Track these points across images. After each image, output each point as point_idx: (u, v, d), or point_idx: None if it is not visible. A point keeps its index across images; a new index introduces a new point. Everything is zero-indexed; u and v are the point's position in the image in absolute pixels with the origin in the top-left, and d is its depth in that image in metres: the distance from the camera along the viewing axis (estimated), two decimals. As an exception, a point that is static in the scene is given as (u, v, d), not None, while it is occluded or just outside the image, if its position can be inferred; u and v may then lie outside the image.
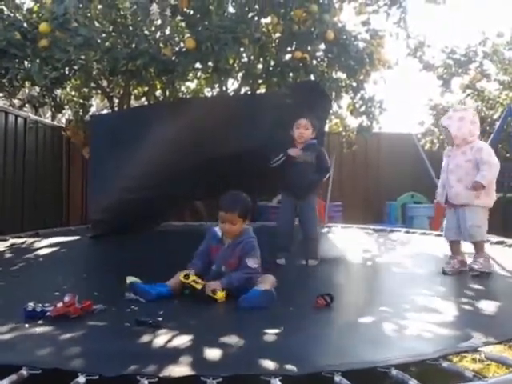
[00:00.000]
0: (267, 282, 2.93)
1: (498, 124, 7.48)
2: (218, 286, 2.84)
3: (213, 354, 2.04)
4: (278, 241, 4.16)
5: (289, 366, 1.88)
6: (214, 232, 3.14)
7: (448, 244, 3.77)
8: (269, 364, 1.91)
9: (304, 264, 4.04)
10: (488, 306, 2.81)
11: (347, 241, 5.52)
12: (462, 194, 3.46)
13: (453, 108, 3.67)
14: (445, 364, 1.93)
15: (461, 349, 2.13)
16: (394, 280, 3.66)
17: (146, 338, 2.21)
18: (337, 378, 1.77)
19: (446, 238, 3.76)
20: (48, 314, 2.43)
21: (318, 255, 4.10)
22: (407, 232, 6.17)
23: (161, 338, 2.22)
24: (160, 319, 2.41)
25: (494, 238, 5.07)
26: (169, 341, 2.19)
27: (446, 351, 2.07)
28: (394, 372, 1.83)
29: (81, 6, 4.66)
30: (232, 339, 2.21)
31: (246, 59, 6.02)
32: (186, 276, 2.90)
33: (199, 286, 2.86)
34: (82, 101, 7.15)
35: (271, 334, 2.32)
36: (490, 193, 3.51)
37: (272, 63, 6.03)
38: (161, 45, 5.26)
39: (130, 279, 2.91)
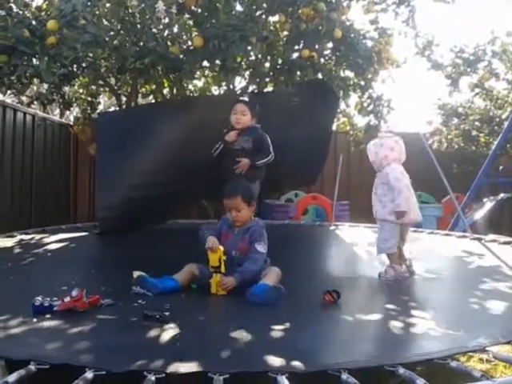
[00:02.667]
0: (273, 274, 2.97)
1: (506, 124, 7.43)
2: (233, 283, 2.89)
3: (220, 349, 2.04)
4: None
5: (295, 363, 1.88)
6: (225, 219, 3.22)
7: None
8: (275, 361, 1.91)
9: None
10: (496, 306, 2.79)
11: (354, 239, 5.51)
12: (380, 211, 3.75)
13: (379, 135, 3.92)
14: (452, 363, 1.92)
15: (468, 348, 2.12)
16: (401, 278, 3.64)
17: (153, 333, 2.22)
18: (344, 376, 1.77)
19: None
20: (56, 308, 2.45)
21: None
22: (414, 231, 6.14)
23: (168, 333, 2.22)
24: (167, 313, 2.41)
25: (502, 238, 5.04)
26: (176, 336, 2.20)
27: (454, 350, 2.06)
28: (401, 371, 1.83)
29: (89, 3, 4.67)
30: (239, 335, 2.22)
31: (253, 57, 6.01)
32: (225, 252, 2.93)
33: (223, 270, 2.90)
34: (89, 98, 7.18)
35: (278, 330, 2.32)
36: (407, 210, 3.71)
37: (279, 61, 6.02)
38: (168, 43, 5.27)
39: (136, 274, 2.92)
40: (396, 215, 3.65)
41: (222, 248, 2.94)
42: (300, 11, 5.34)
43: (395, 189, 3.65)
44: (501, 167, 8.77)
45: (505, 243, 4.88)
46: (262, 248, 3.05)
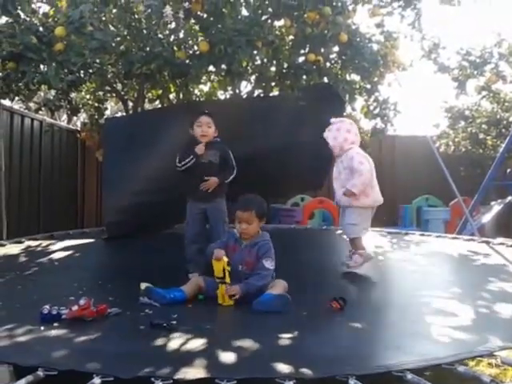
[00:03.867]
0: (279, 287, 2.95)
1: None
2: (238, 291, 2.87)
3: (227, 356, 2.04)
4: (186, 252, 3.79)
5: (303, 370, 1.88)
6: (232, 233, 3.22)
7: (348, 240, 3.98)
8: (283, 367, 1.91)
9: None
10: (505, 309, 2.77)
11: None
12: (344, 197, 3.76)
13: (332, 120, 3.97)
14: (460, 368, 1.91)
15: (477, 353, 2.11)
16: (409, 282, 3.64)
17: (160, 341, 2.22)
18: (351, 382, 1.76)
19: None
20: (63, 316, 2.46)
21: None
22: (422, 235, 6.12)
23: (175, 341, 2.23)
24: (174, 322, 2.42)
25: (510, 241, 5.02)
26: (183, 343, 2.20)
27: (462, 355, 2.05)
28: (409, 376, 1.82)
29: (96, 10, 4.70)
30: (246, 342, 2.22)
31: (259, 62, 6.02)
32: (229, 263, 2.91)
33: (228, 281, 2.89)
34: (96, 104, 7.21)
35: (285, 337, 2.32)
36: (368, 194, 3.78)
37: (285, 66, 6.03)
38: (175, 48, 5.29)
39: (144, 285, 2.93)
40: (346, 191, 3.70)
41: (225, 259, 2.91)
42: (305, 15, 5.35)
43: (357, 171, 3.67)
44: (508, 170, 8.72)
45: (513, 246, 4.85)
46: (269, 265, 3.03)
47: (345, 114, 7.02)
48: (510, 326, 2.52)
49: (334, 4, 5.28)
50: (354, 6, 6.10)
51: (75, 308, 2.47)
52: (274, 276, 3.12)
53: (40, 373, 1.80)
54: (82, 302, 2.49)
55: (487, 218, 7.34)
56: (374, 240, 5.74)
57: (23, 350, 2.11)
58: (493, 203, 7.63)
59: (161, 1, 4.58)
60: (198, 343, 2.21)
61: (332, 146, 3.85)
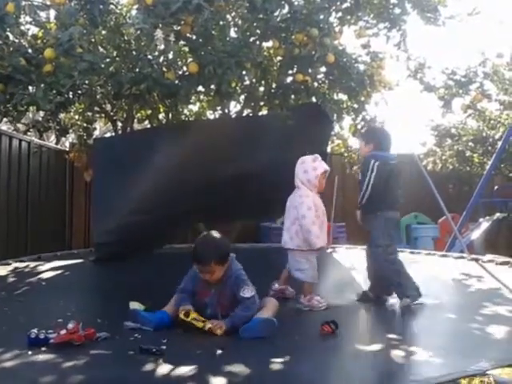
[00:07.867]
0: (269, 307, 2.89)
1: (499, 144, 7.49)
2: (222, 326, 2.76)
3: (217, 383, 2.01)
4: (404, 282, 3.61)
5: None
6: (196, 273, 2.97)
7: None
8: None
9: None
10: (496, 329, 2.78)
11: (352, 263, 5.48)
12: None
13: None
14: (454, 389, 1.90)
15: (469, 372, 2.10)
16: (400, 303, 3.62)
17: (149, 367, 2.19)
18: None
19: None
20: (51, 341, 2.42)
21: None
22: (412, 253, 6.13)
23: (164, 367, 2.20)
24: (164, 347, 2.38)
25: (500, 258, 5.04)
26: (173, 369, 2.17)
27: (454, 375, 2.04)
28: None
29: (85, 32, 4.72)
30: (238, 369, 2.18)
31: (248, 82, 6.06)
32: (187, 314, 2.81)
33: (200, 325, 2.78)
34: (85, 124, 7.18)
35: (276, 362, 2.29)
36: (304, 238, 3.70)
37: (274, 86, 6.08)
38: (164, 69, 5.31)
39: (132, 305, 2.88)
40: None
41: (190, 317, 2.81)
42: (293, 37, 5.41)
43: None
44: (496, 187, 8.81)
45: (502, 263, 4.87)
46: (248, 293, 2.85)
47: (333, 132, 7.11)
48: (502, 345, 2.52)
49: (321, 26, 5.35)
50: (340, 27, 6.18)
51: (63, 332, 2.43)
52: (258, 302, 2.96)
53: (27, 400, 1.77)
54: (70, 325, 2.45)
55: (476, 234, 7.38)
56: (363, 259, 5.74)
57: (10, 376, 2.07)
58: (481, 220, 7.69)
59: (152, 24, 4.61)
60: (187, 370, 2.18)
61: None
